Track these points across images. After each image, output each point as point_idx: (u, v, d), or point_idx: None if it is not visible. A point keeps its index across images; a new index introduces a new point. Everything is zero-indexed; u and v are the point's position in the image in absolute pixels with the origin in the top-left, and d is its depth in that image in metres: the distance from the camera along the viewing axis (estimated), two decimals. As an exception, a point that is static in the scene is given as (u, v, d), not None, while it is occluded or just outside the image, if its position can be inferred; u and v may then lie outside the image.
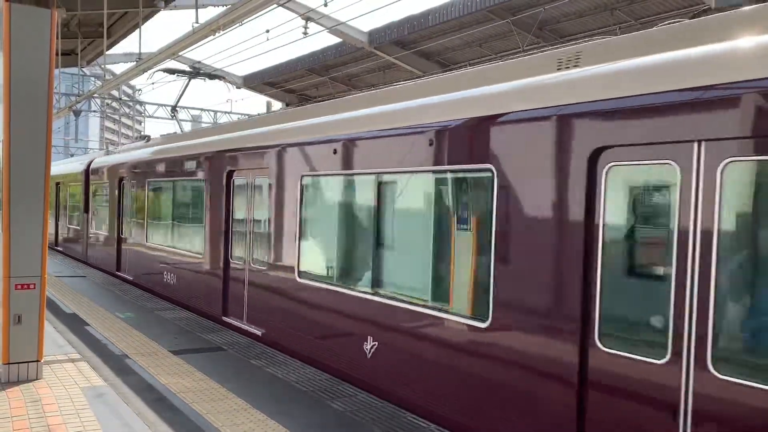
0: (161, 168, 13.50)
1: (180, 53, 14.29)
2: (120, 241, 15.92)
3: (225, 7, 11.05)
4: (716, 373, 3.90)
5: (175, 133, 15.27)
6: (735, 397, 3.79)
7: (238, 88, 30.80)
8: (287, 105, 30.77)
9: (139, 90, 37.66)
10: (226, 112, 38.90)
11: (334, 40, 23.07)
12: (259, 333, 9.29)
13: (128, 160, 15.67)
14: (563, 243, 4.94)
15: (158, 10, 15.44)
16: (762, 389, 3.68)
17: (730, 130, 3.95)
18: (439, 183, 6.24)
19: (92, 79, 49.20)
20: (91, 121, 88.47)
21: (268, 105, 33.04)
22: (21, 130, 6.80)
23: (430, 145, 6.22)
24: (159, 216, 13.73)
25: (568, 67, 5.37)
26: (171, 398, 6.56)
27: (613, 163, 4.66)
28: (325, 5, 15.66)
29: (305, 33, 18.32)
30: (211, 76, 16.34)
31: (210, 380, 7.26)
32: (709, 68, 4.20)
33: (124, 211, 15.68)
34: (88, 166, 19.38)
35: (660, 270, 4.38)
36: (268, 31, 17.29)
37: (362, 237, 7.32)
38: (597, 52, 5.21)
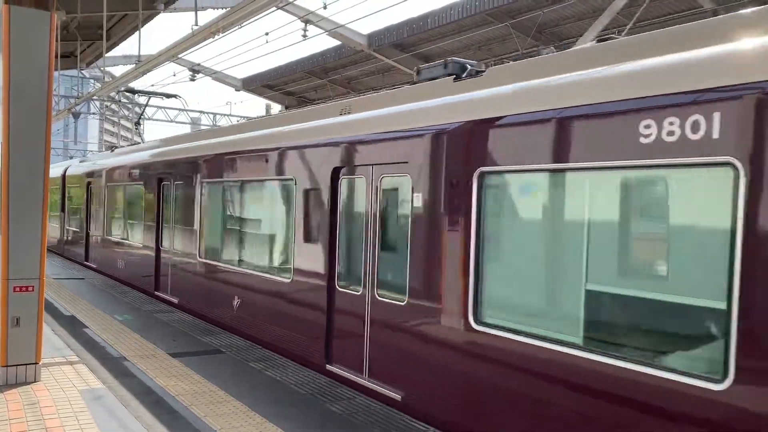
0: (115, 174, 16.47)
1: (179, 55, 14.29)
2: (88, 236, 18.74)
3: (224, 10, 11.06)
4: (378, 297, 6.97)
5: (136, 144, 17.94)
6: (385, 307, 6.83)
7: (237, 90, 30.79)
8: (287, 107, 30.79)
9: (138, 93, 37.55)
10: (225, 115, 38.91)
11: (334, 42, 23.10)
12: (176, 301, 12.45)
13: (93, 168, 18.31)
14: (322, 226, 8.00)
15: (158, 13, 15.45)
16: (392, 302, 6.75)
17: (382, 158, 6.99)
18: (271, 188, 9.36)
19: (91, 81, 49.22)
20: (90, 123, 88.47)
21: (267, 107, 33.07)
22: (20, 132, 6.80)
23: (266, 162, 9.35)
24: (113, 214, 16.76)
25: (343, 113, 8.19)
26: (169, 401, 6.55)
27: (343, 177, 7.71)
28: (324, 8, 15.69)
29: (304, 36, 18.35)
30: (168, 96, 19.35)
31: (208, 383, 7.25)
32: (377, 123, 7.21)
33: (90, 210, 18.56)
34: (65, 171, 22.09)
35: (360, 241, 7.33)
36: (267, 34, 17.30)
37: (233, 227, 10.50)
38: (359, 105, 7.98)
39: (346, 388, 7.24)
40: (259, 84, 29.67)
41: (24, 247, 6.84)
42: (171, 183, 12.85)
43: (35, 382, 6.92)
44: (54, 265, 18.63)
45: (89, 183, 18.66)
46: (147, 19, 16.10)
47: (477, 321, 5.65)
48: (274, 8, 10.70)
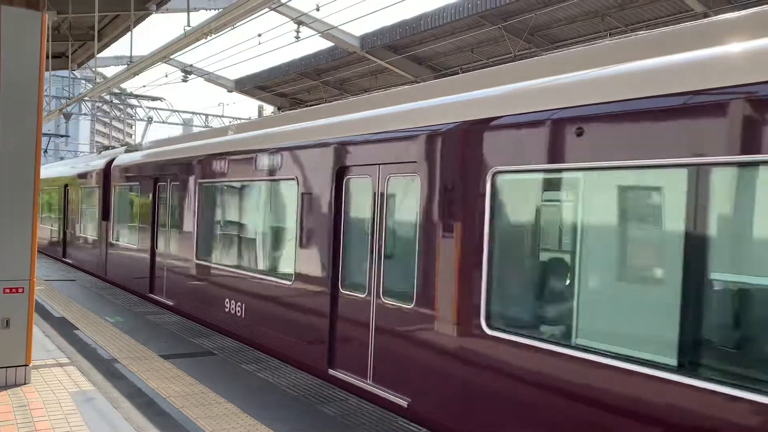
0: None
1: (171, 56, 14.25)
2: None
3: (217, 11, 11.04)
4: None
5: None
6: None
7: (229, 91, 30.73)
8: (279, 109, 30.75)
9: (130, 93, 37.49)
10: (217, 116, 38.81)
11: (326, 44, 23.10)
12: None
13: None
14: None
15: (150, 14, 15.40)
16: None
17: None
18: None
19: (83, 81, 48.97)
20: (81, 124, 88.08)
21: (260, 109, 32.99)
22: (10, 133, 6.76)
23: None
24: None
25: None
26: (161, 403, 6.53)
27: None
28: (317, 9, 15.69)
29: (297, 37, 18.33)
30: (62, 135, 26.00)
31: (200, 385, 7.23)
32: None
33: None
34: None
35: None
36: (260, 35, 17.28)
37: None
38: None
39: (339, 390, 7.23)
40: (252, 85, 29.64)
41: (14, 249, 6.80)
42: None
43: (25, 384, 6.88)
44: (44, 267, 18.52)
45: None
46: (139, 20, 16.04)
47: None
48: (267, 9, 10.69)
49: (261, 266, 9.44)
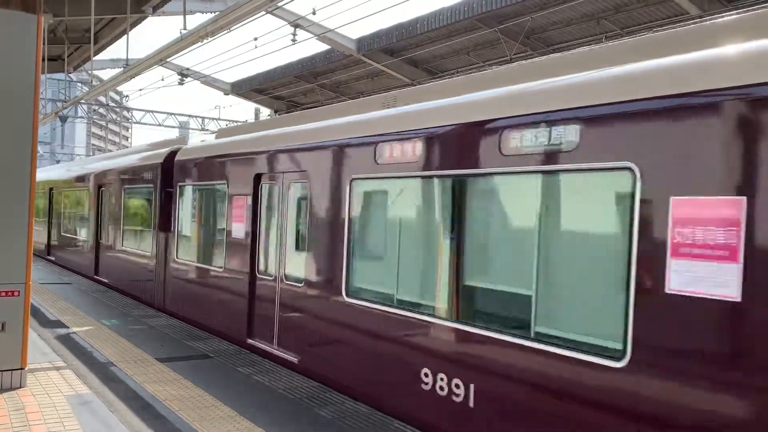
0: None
1: (168, 60, 14.24)
2: None
3: (213, 14, 11.05)
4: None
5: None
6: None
7: (226, 94, 30.73)
8: (276, 112, 30.76)
9: (126, 96, 37.56)
10: (214, 119, 38.81)
11: (323, 47, 23.12)
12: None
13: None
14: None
15: (146, 17, 15.40)
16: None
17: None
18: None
19: (79, 84, 48.95)
20: (77, 127, 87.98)
21: (257, 112, 33.01)
22: (6, 136, 6.75)
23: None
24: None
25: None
26: (157, 406, 6.52)
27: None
28: (314, 13, 15.72)
29: (294, 40, 18.36)
30: None
31: (197, 388, 7.22)
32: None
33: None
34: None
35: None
36: (256, 39, 17.30)
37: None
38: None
39: (335, 392, 7.23)
40: (248, 88, 29.63)
41: (10, 252, 6.79)
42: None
43: (21, 387, 6.86)
44: (41, 270, 18.48)
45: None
46: (135, 23, 16.04)
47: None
48: (263, 12, 10.70)
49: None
